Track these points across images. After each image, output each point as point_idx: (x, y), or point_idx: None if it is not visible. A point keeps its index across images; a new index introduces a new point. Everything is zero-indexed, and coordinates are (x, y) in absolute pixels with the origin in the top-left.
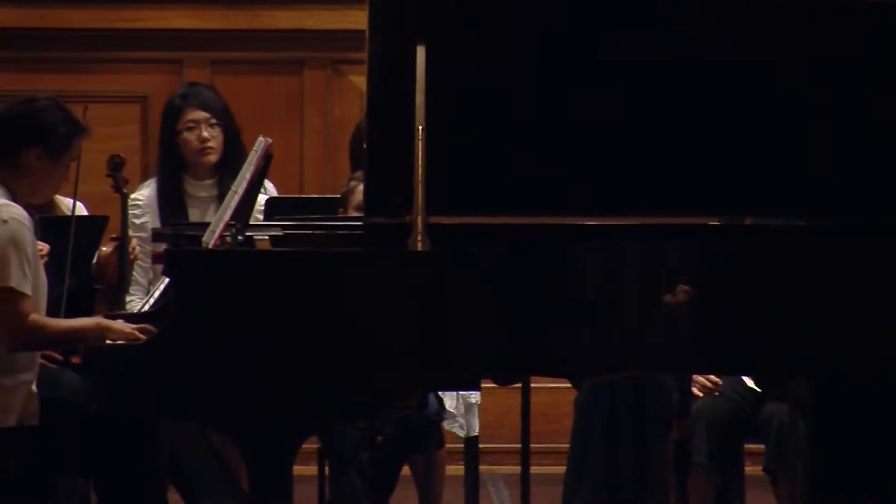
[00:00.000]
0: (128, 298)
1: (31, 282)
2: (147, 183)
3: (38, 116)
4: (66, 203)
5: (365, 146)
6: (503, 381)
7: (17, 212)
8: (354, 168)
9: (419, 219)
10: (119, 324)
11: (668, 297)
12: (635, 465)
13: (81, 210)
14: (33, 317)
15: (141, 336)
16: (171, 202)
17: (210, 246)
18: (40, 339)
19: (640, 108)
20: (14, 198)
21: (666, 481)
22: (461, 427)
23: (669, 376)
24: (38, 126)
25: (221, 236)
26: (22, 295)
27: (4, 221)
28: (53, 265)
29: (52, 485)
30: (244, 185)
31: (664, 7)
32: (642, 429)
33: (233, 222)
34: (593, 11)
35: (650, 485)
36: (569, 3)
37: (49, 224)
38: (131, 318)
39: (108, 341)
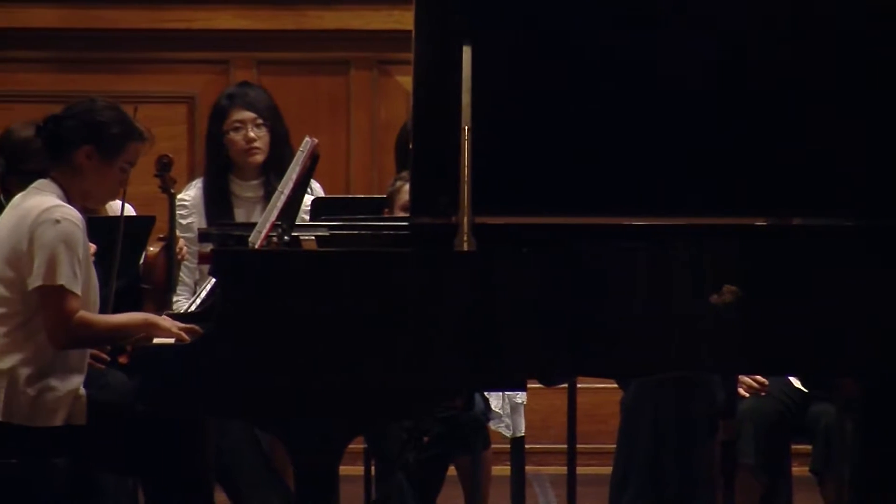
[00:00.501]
0: (174, 298)
1: (82, 282)
2: (193, 183)
3: (90, 116)
4: (111, 205)
5: (411, 146)
6: (549, 381)
7: (70, 212)
8: (400, 168)
9: (465, 219)
10: (167, 321)
11: (714, 298)
12: (681, 465)
13: (128, 211)
14: (80, 314)
15: (187, 337)
16: (218, 202)
17: (256, 246)
18: (87, 335)
19: (686, 108)
20: (69, 200)
21: (712, 482)
22: (507, 427)
23: (716, 377)
24: (90, 125)
25: (268, 236)
26: (70, 293)
27: (57, 221)
28: (100, 265)
29: (100, 484)
30: (290, 185)
31: (709, 8)
32: (689, 429)
33: (279, 222)
34: (639, 11)
35: (697, 486)
36: (614, 3)
37: (96, 224)
38: (178, 318)
39: (155, 339)
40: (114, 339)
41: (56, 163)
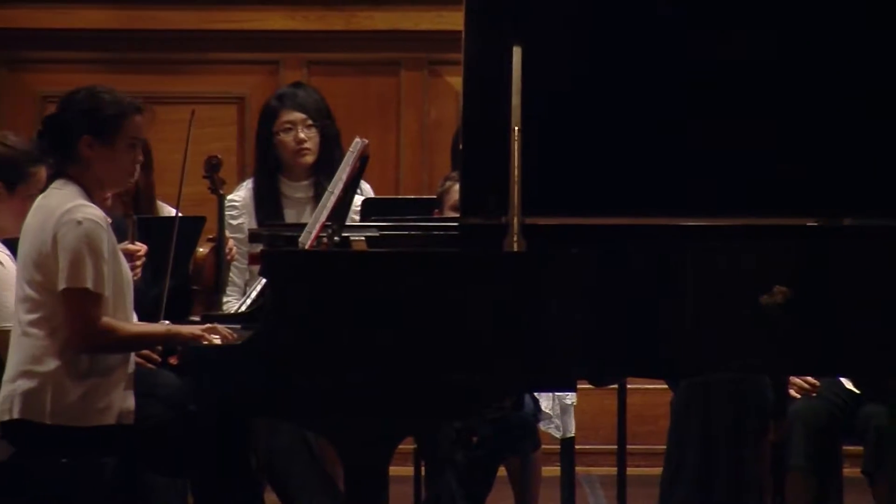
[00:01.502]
0: (224, 299)
1: (111, 279)
2: (244, 184)
3: (81, 105)
4: (165, 210)
5: (461, 147)
6: (599, 381)
7: (92, 212)
8: (455, 168)
9: (515, 219)
10: (188, 328)
11: (764, 298)
12: (731, 467)
13: (170, 212)
14: (105, 319)
15: (208, 336)
16: (267, 203)
17: (306, 247)
18: (109, 342)
19: (734, 109)
20: (89, 195)
21: (762, 484)
22: (557, 428)
23: (766, 377)
24: (82, 115)
25: (318, 237)
26: (97, 296)
27: (79, 222)
28: (151, 265)
29: (150, 484)
30: (340, 185)
31: (760, 7)
32: (738, 430)
33: (329, 223)
34: (689, 11)
35: (746, 487)
36: (664, 2)
37: (147, 224)
38: (228, 318)
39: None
40: (134, 348)
41: (65, 160)
